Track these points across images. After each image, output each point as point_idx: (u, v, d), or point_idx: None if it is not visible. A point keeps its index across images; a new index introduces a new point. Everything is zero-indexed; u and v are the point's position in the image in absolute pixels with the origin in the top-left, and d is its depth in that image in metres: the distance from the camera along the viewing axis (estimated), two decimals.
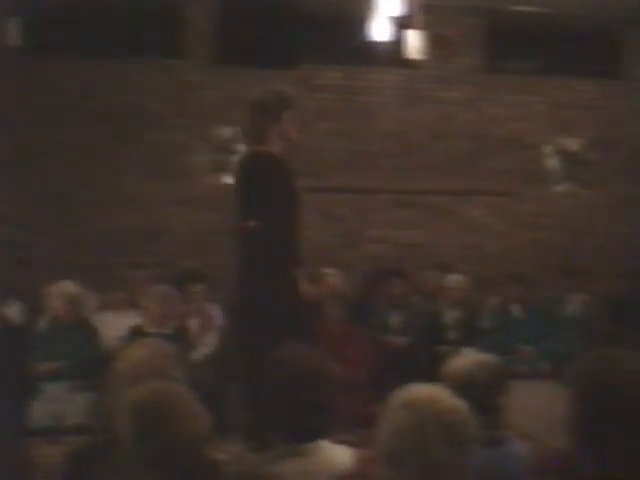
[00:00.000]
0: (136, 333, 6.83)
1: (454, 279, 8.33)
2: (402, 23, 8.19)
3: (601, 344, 7.56)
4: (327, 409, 3.15)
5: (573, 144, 10.66)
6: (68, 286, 7.14)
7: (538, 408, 5.79)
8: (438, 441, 2.35)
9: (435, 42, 9.20)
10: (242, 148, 9.60)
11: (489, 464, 3.21)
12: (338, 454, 3.14)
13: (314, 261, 6.30)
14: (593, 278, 9.57)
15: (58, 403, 6.59)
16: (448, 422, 2.39)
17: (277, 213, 5.26)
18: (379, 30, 8.30)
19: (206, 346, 7.78)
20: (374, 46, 8.72)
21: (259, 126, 5.49)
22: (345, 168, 9.80)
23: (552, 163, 10.68)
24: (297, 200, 5.46)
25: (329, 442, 3.18)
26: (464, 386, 3.01)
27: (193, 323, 7.87)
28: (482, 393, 3.38)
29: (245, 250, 5.32)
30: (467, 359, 3.69)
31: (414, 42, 8.18)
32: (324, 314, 7.30)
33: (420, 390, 2.51)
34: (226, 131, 9.76)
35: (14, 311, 7.92)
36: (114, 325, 7.54)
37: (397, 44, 8.46)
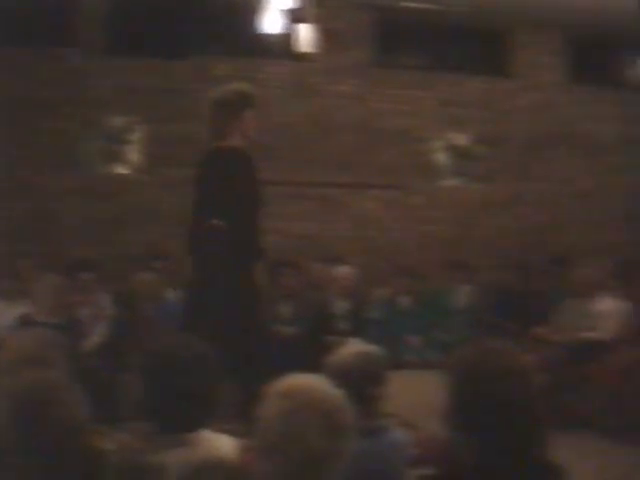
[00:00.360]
0: (25, 322, 6.77)
1: (343, 270, 8.43)
2: (293, 16, 8.22)
3: (485, 334, 7.73)
4: (210, 398, 3.16)
5: (462, 139, 10.86)
6: None
7: (425, 397, 5.90)
8: (314, 429, 2.37)
9: (326, 36, 9.25)
10: (134, 138, 9.65)
11: (367, 453, 3.26)
12: (221, 444, 3.16)
13: None
14: (480, 270, 9.80)
15: None
16: (324, 411, 2.42)
17: (243, 210, 5.36)
18: (270, 23, 8.33)
19: (96, 336, 7.73)
20: (265, 38, 8.75)
21: (221, 123, 5.63)
22: None
23: (441, 158, 10.86)
24: (261, 195, 5.58)
25: (212, 432, 3.19)
26: (342, 376, 3.06)
27: (83, 312, 7.82)
28: (359, 383, 3.45)
29: (207, 248, 5.36)
30: (348, 350, 3.74)
31: (305, 35, 8.21)
32: None
33: (297, 379, 2.54)
34: (118, 120, 9.70)
35: None
36: (5, 314, 7.45)
37: (288, 37, 8.48)
